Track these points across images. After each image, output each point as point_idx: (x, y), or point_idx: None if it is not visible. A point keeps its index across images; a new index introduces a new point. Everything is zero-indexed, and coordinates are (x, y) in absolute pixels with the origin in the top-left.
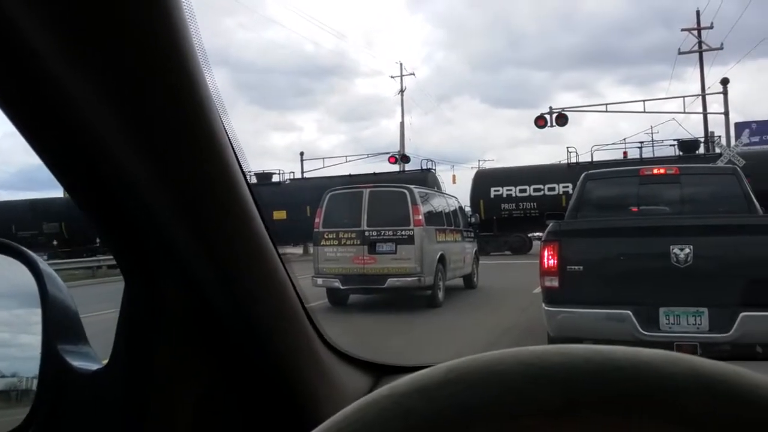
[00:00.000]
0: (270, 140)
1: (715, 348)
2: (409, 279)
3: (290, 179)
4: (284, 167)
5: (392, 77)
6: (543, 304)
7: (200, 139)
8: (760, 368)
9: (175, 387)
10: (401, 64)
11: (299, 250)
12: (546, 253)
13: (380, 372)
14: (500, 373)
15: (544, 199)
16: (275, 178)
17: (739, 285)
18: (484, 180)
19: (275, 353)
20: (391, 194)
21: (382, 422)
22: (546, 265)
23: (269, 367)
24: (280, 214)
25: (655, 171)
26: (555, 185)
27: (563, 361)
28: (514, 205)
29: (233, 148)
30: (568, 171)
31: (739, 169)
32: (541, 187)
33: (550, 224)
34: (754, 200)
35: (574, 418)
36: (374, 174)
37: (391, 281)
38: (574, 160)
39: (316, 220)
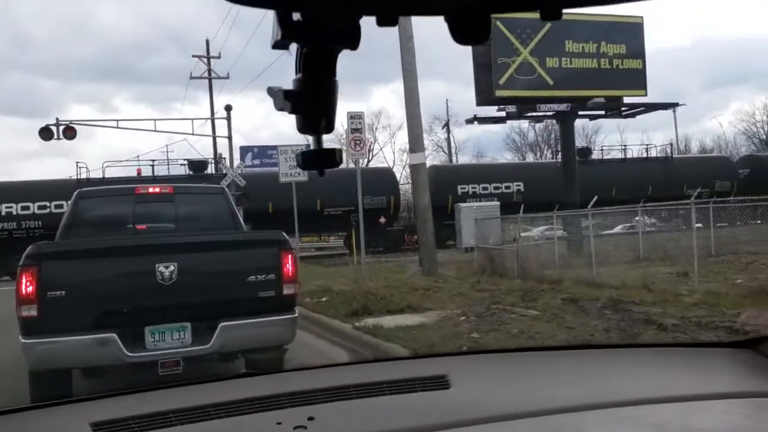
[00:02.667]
0: None
1: (199, 360)
2: None
3: None
4: None
5: None
6: (20, 337)
7: None
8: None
9: None
10: None
11: None
12: (23, 280)
13: None
14: None
15: (50, 218)
16: None
17: (218, 298)
18: None
19: None
20: None
21: None
22: (23, 293)
23: None
24: None
25: (151, 190)
26: (63, 203)
27: None
28: (15, 223)
29: None
30: (78, 187)
31: (226, 189)
32: (48, 204)
33: (29, 247)
34: (240, 218)
35: None
36: None
37: None
38: (84, 175)
39: None
